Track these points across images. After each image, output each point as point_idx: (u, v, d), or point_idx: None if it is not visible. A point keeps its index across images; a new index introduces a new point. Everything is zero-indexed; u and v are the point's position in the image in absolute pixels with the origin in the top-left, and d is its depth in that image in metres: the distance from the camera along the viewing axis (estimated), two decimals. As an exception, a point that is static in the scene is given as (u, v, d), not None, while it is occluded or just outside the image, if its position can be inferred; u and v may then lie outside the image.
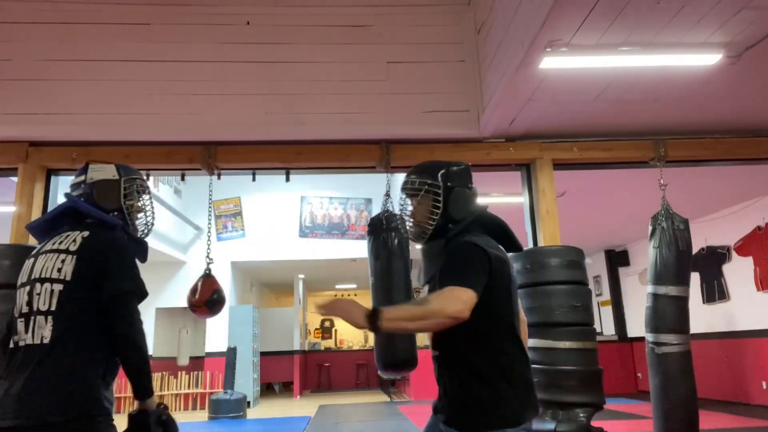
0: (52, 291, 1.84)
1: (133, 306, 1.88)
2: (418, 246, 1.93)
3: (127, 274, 1.90)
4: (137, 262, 2.05)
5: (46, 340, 1.76)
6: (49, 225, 2.07)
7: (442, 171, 1.86)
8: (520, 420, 1.62)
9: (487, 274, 1.65)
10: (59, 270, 1.87)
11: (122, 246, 1.97)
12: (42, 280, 1.87)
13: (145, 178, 2.27)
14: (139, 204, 2.21)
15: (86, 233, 1.94)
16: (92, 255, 1.89)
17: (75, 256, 1.88)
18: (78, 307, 1.82)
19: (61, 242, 1.94)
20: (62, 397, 1.71)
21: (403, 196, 1.95)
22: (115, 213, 2.09)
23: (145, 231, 2.26)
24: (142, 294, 1.93)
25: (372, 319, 1.54)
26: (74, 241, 1.93)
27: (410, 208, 1.92)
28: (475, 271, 1.64)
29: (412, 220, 1.90)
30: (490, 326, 1.68)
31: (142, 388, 1.86)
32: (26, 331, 1.80)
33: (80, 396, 1.74)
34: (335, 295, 18.05)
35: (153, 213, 2.29)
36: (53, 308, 1.81)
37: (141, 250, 2.14)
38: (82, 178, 2.12)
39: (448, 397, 1.69)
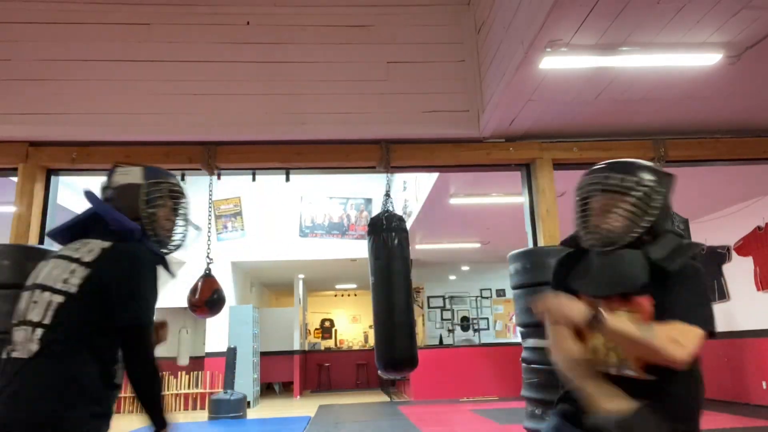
0: (49, 302, 1.66)
1: (149, 339, 1.75)
2: (597, 249, 1.66)
3: (144, 303, 1.74)
4: (166, 275, 1.90)
5: (30, 355, 1.61)
6: (73, 232, 1.87)
7: (666, 177, 1.65)
8: None
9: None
10: (65, 281, 1.69)
11: (145, 265, 1.78)
12: (43, 288, 1.70)
13: (177, 183, 2.02)
14: (163, 212, 1.95)
15: (107, 245, 1.75)
16: (109, 271, 1.71)
17: (88, 269, 1.70)
18: (75, 324, 1.65)
19: (77, 249, 1.77)
20: (27, 414, 1.55)
21: (598, 190, 1.66)
22: (137, 222, 1.87)
23: (173, 243, 2.01)
24: (150, 327, 1.77)
25: (596, 318, 1.44)
26: (91, 251, 1.75)
27: (593, 205, 1.66)
28: (712, 308, 1.53)
29: (603, 219, 1.63)
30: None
31: (157, 420, 1.73)
32: (18, 342, 1.65)
33: (47, 416, 1.56)
34: (335, 295, 18.06)
35: (185, 222, 2.04)
36: (46, 321, 1.64)
37: (165, 265, 1.94)
38: (107, 182, 1.96)
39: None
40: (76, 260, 1.73)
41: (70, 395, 1.60)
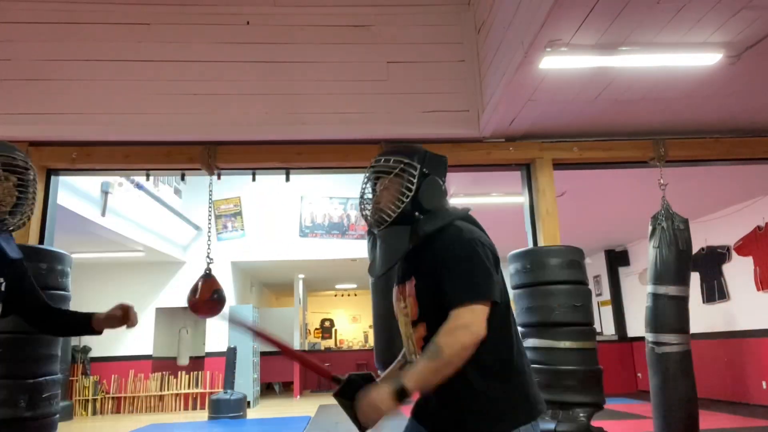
0: None
1: None
2: (375, 231, 1.73)
3: None
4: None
5: None
6: None
7: (419, 153, 1.69)
8: (534, 414, 1.50)
9: (494, 269, 1.52)
10: None
11: None
12: None
13: (21, 157, 1.90)
14: (2, 188, 1.83)
15: None
16: None
17: None
18: None
19: None
20: None
21: (367, 178, 1.74)
22: None
23: (14, 222, 1.89)
24: None
25: (400, 397, 1.41)
26: None
27: (373, 189, 1.72)
28: (486, 274, 1.49)
29: (373, 202, 1.70)
30: (494, 317, 1.50)
31: None
32: None
33: None
34: (335, 295, 18.06)
35: (30, 198, 1.91)
36: None
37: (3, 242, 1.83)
38: None
39: (444, 399, 1.51)
40: None
41: None
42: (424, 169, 1.66)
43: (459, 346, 1.41)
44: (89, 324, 2.03)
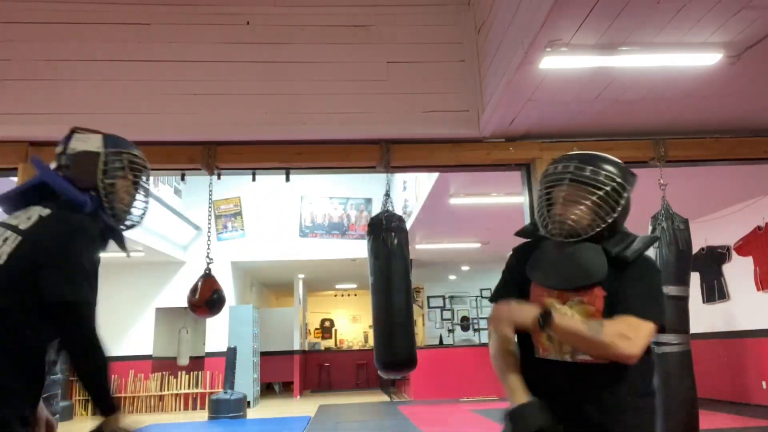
0: None
1: (86, 317, 1.54)
2: (558, 239, 1.64)
3: (72, 276, 1.52)
4: (119, 251, 1.79)
5: None
6: (20, 198, 1.72)
7: (628, 174, 1.67)
8: None
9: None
10: None
11: (83, 236, 1.59)
12: None
13: (140, 155, 1.90)
14: (122, 184, 1.82)
15: (47, 212, 1.61)
16: (41, 239, 1.54)
17: (20, 237, 1.54)
18: (9, 297, 1.47)
19: (18, 216, 1.62)
20: None
21: (560, 181, 1.65)
22: (93, 192, 1.73)
23: (131, 219, 1.89)
24: (85, 303, 1.54)
25: (543, 320, 1.46)
26: (29, 218, 1.59)
27: (566, 194, 1.64)
28: (664, 302, 1.58)
29: (566, 209, 1.62)
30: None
31: (103, 405, 1.60)
32: None
33: None
34: (335, 295, 18.06)
35: (145, 198, 1.93)
36: None
37: (118, 240, 1.83)
38: (62, 148, 1.83)
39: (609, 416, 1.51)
40: (13, 227, 1.57)
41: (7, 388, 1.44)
42: (629, 192, 1.66)
43: (615, 345, 1.45)
44: None
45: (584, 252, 1.61)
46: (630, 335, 1.45)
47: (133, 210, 1.90)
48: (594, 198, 1.60)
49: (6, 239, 1.54)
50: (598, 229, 1.61)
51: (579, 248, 1.62)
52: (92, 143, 1.83)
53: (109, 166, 1.79)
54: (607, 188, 1.60)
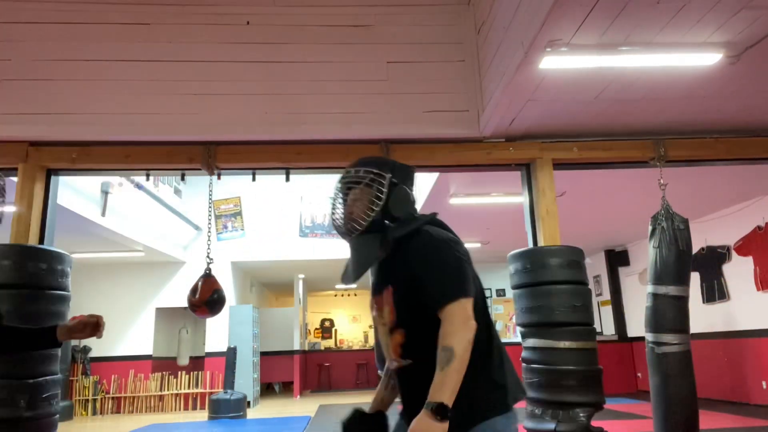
0: None
1: None
2: (345, 238, 1.76)
3: None
4: None
5: None
6: None
7: (388, 165, 1.74)
8: (509, 403, 1.54)
9: (468, 265, 1.59)
10: None
11: None
12: None
13: None
14: None
15: None
16: None
17: None
18: None
19: None
20: None
21: (338, 190, 1.77)
22: None
23: None
24: None
25: (443, 414, 1.40)
26: None
27: (344, 200, 1.75)
28: (462, 271, 1.56)
29: (344, 213, 1.74)
30: (475, 311, 1.54)
31: None
32: None
33: None
34: (335, 295, 18.06)
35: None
36: None
37: None
38: None
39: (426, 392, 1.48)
40: None
41: None
42: (394, 179, 1.70)
43: (466, 341, 1.45)
44: (52, 336, 1.95)
45: (359, 245, 1.69)
46: (460, 322, 1.46)
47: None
48: (357, 194, 1.71)
49: None
50: (367, 221, 1.66)
51: (357, 242, 1.70)
52: None
53: None
54: (364, 182, 1.70)
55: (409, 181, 1.77)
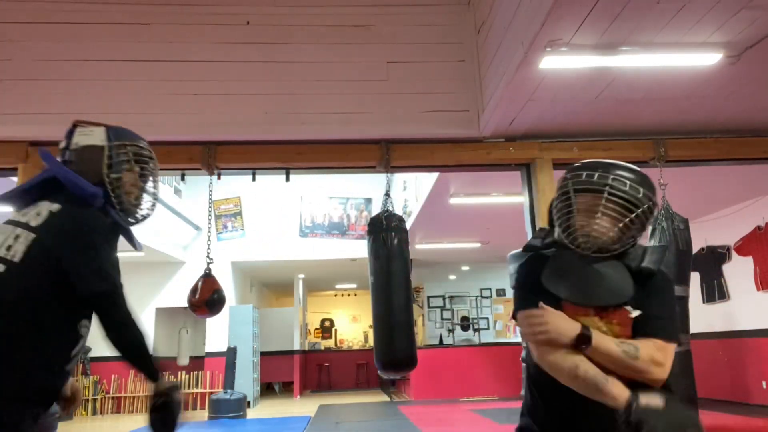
0: None
1: (119, 303, 1.62)
2: (586, 253, 1.56)
3: (100, 272, 1.58)
4: (131, 246, 1.81)
5: None
6: (28, 196, 1.70)
7: (655, 192, 1.59)
8: None
9: None
10: (9, 248, 1.51)
11: (96, 231, 1.61)
12: None
13: (146, 146, 1.88)
14: (129, 177, 1.78)
15: (56, 207, 1.59)
16: (55, 236, 1.54)
17: (33, 234, 1.53)
18: (23, 296, 1.48)
19: (26, 213, 1.60)
20: None
21: (603, 190, 1.55)
22: (99, 188, 1.70)
23: (140, 212, 1.84)
24: (117, 291, 1.63)
25: (585, 337, 1.43)
26: (39, 214, 1.58)
27: (602, 207, 1.54)
28: (678, 318, 1.59)
29: (602, 224, 1.54)
30: None
31: (149, 372, 1.69)
32: None
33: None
34: (335, 295, 18.05)
35: (154, 190, 1.88)
36: None
37: (127, 236, 1.81)
38: (66, 143, 1.78)
39: None
40: (24, 225, 1.55)
41: (7, 387, 1.43)
42: (657, 210, 1.65)
43: (650, 371, 1.47)
44: None
45: (611, 270, 1.55)
46: (661, 360, 1.48)
47: (142, 203, 1.87)
48: (632, 216, 1.53)
49: (17, 236, 1.53)
50: (626, 247, 1.56)
51: (605, 266, 1.55)
52: (96, 137, 1.78)
53: (114, 160, 1.75)
54: (644, 207, 1.54)
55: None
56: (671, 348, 1.50)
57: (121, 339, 1.63)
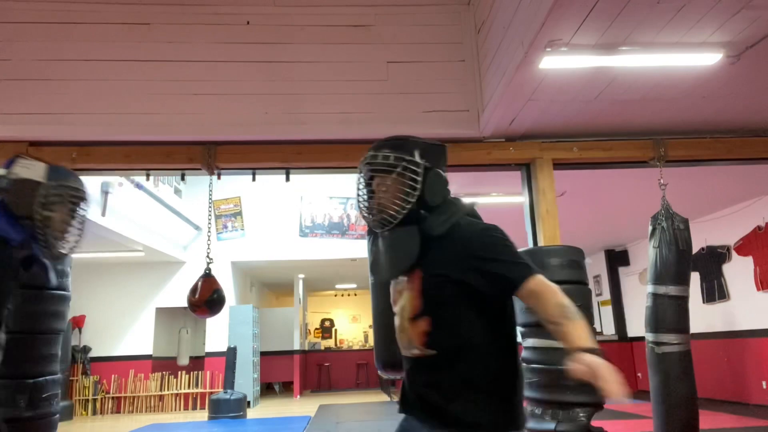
0: None
1: None
2: (378, 230, 1.65)
3: None
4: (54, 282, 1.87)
5: None
6: None
7: (421, 148, 1.60)
8: (520, 425, 1.54)
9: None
10: None
11: None
12: None
13: (82, 188, 1.94)
14: (60, 216, 1.83)
15: None
16: None
17: None
18: None
19: None
20: None
21: (364, 174, 1.65)
22: (27, 221, 1.76)
23: (65, 248, 1.89)
24: None
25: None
26: None
27: (373, 187, 1.63)
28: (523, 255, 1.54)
29: (375, 201, 1.62)
30: (501, 325, 1.54)
31: None
32: None
33: None
34: (335, 295, 18.04)
35: (80, 228, 1.93)
36: None
37: (43, 270, 1.85)
38: (5, 171, 1.81)
39: (449, 399, 1.50)
40: None
41: None
42: (427, 164, 1.59)
43: (569, 300, 1.47)
44: None
45: (395, 239, 1.60)
46: (552, 295, 1.47)
47: (66, 241, 1.90)
48: (389, 182, 1.59)
49: None
50: (403, 213, 1.56)
51: (393, 235, 1.61)
52: (34, 172, 1.82)
53: (48, 199, 1.80)
54: (398, 169, 1.57)
55: (443, 162, 1.66)
56: (538, 277, 1.48)
57: None
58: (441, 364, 1.52)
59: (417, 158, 1.58)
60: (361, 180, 1.66)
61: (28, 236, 1.75)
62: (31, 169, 1.82)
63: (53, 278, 1.94)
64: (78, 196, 1.89)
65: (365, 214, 1.66)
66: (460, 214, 1.59)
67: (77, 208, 1.90)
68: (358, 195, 1.67)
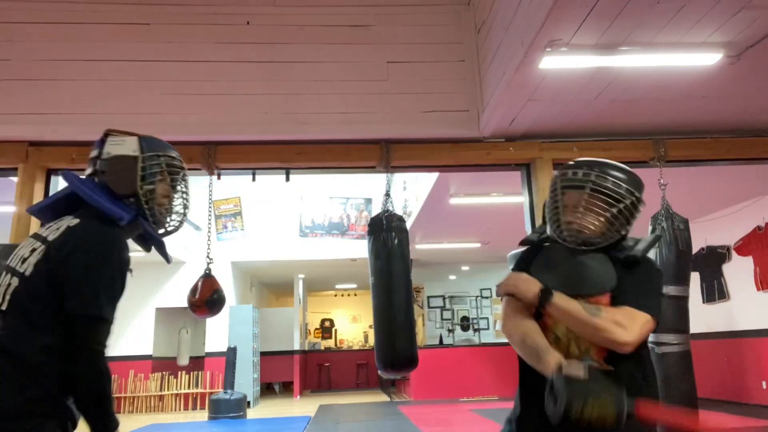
0: (8, 285, 1.49)
1: (100, 333, 1.48)
2: (571, 246, 1.64)
3: (101, 290, 1.48)
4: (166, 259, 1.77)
5: None
6: (54, 209, 1.68)
7: (642, 187, 1.66)
8: None
9: None
10: (24, 260, 1.51)
11: (109, 248, 1.53)
12: (8, 269, 1.53)
13: (177, 157, 1.82)
14: (162, 189, 1.74)
15: (75, 222, 1.56)
16: (61, 251, 1.50)
17: (45, 248, 1.51)
18: (32, 308, 1.46)
19: (50, 226, 1.59)
20: None
21: (565, 188, 1.67)
22: (131, 199, 1.67)
23: (172, 224, 1.81)
24: (100, 320, 1.48)
25: (544, 296, 1.52)
26: (58, 228, 1.55)
27: (582, 202, 1.62)
28: (661, 298, 1.59)
29: (586, 218, 1.62)
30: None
31: (98, 430, 1.48)
32: None
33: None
34: (335, 295, 18.06)
35: (185, 201, 1.84)
36: (4, 307, 1.47)
37: (160, 248, 1.77)
38: (97, 152, 1.73)
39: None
40: (42, 238, 1.54)
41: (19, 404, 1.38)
42: (642, 205, 1.65)
43: (610, 330, 1.46)
44: None
45: (595, 262, 1.63)
46: (625, 324, 1.47)
47: (173, 214, 1.83)
48: (614, 211, 1.61)
49: (34, 250, 1.52)
50: (611, 241, 1.63)
51: (589, 258, 1.63)
52: (128, 147, 1.75)
53: (147, 171, 1.71)
54: (627, 202, 1.61)
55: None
56: (641, 316, 1.50)
57: (87, 372, 1.45)
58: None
59: (641, 198, 1.65)
60: (560, 193, 1.68)
61: (136, 214, 1.66)
62: (123, 145, 1.74)
63: (169, 256, 1.86)
64: (175, 165, 1.80)
65: (562, 231, 1.64)
66: (647, 248, 1.68)
67: (177, 178, 1.80)
68: (555, 209, 1.68)
